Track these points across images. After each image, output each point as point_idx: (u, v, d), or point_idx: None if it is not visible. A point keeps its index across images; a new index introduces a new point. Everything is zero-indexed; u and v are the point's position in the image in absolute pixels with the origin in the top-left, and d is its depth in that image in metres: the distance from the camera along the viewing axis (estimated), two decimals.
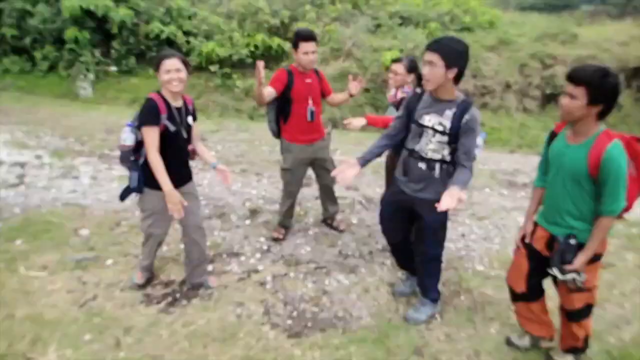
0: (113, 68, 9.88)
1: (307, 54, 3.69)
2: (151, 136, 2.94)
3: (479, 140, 2.91)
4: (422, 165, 2.86)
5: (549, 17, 14.46)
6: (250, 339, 3.02)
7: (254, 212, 4.82)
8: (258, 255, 4.06)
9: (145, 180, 3.12)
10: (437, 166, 2.83)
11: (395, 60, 3.71)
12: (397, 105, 3.71)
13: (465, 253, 4.15)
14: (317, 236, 4.40)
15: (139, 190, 3.15)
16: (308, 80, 3.85)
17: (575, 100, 2.21)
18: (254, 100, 4.07)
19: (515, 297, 2.85)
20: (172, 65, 2.94)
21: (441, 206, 2.41)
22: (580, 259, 2.37)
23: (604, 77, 2.17)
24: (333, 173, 2.91)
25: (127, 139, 3.04)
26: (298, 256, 4.05)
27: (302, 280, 3.70)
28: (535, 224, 2.68)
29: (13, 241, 4.06)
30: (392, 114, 3.67)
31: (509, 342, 3.00)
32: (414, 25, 11.04)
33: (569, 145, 2.39)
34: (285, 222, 4.36)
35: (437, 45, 2.60)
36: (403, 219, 3.14)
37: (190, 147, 3.32)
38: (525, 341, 2.97)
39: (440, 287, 3.28)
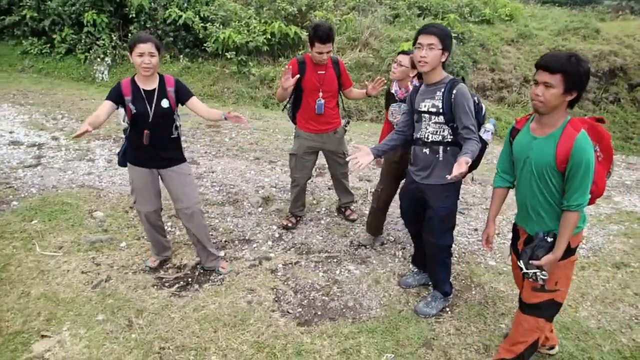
0: None
1: (321, 54, 3.67)
2: (100, 107, 3.03)
3: (490, 126, 2.89)
4: (426, 150, 2.93)
5: (571, 11, 14.17)
6: (260, 325, 3.04)
7: (266, 200, 4.83)
8: (270, 242, 4.07)
9: (127, 156, 3.31)
10: (440, 149, 2.89)
11: (404, 52, 3.60)
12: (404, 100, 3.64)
13: (478, 247, 4.12)
14: (329, 226, 4.40)
15: (120, 159, 3.37)
16: (321, 72, 3.79)
17: (551, 89, 2.12)
18: (277, 98, 4.04)
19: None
20: (144, 49, 2.98)
21: (451, 175, 2.45)
22: (549, 258, 2.27)
23: (579, 63, 2.09)
24: (348, 159, 2.94)
25: (121, 118, 3.21)
26: (309, 245, 4.06)
27: (313, 269, 3.71)
28: (516, 226, 2.59)
29: (30, 221, 4.13)
30: (403, 111, 3.58)
31: None
32: (433, 16, 10.91)
33: (535, 138, 2.28)
34: (296, 210, 4.36)
35: (434, 29, 2.69)
36: (418, 211, 3.14)
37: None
38: None
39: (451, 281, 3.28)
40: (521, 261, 2.36)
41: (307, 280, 3.56)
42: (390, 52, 9.41)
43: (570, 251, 2.34)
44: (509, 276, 3.62)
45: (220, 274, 3.57)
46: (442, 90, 2.79)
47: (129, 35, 9.91)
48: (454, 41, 9.73)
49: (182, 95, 3.25)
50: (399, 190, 3.59)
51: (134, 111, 3.08)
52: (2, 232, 3.93)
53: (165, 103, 3.17)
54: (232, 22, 9.76)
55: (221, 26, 9.63)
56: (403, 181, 3.46)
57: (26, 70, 9.94)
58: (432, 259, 3.19)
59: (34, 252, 3.72)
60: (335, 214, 4.61)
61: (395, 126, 3.64)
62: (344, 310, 3.25)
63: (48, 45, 10.25)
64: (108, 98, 3.07)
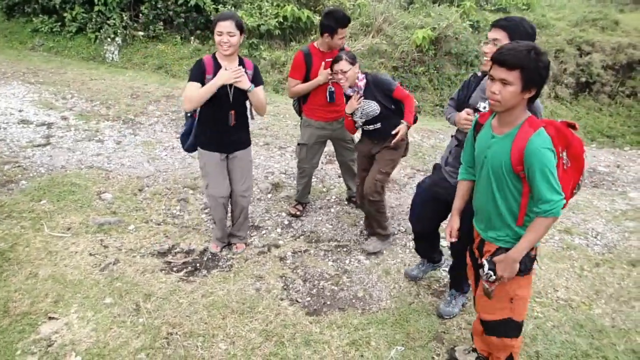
0: (140, 33, 9.81)
1: (342, 39, 3.66)
2: (187, 89, 3.07)
3: None
4: None
5: (589, 1, 13.85)
6: (269, 313, 3.01)
7: (276, 186, 4.77)
8: (279, 230, 4.03)
9: (198, 140, 3.29)
10: None
11: (334, 61, 3.41)
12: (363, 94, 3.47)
13: None
14: (339, 214, 4.34)
15: (181, 142, 3.36)
16: (329, 60, 3.66)
17: (508, 86, 1.94)
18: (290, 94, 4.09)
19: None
20: (224, 28, 2.96)
21: None
22: (506, 255, 2.09)
23: (539, 57, 1.92)
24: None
25: None
26: (319, 233, 4.01)
27: (322, 258, 3.67)
28: (473, 227, 2.43)
29: (38, 201, 4.10)
30: (365, 105, 3.43)
31: (451, 356, 2.75)
32: (449, 3, 10.69)
33: (494, 136, 2.12)
34: (302, 198, 4.31)
35: (504, 23, 2.49)
36: (436, 210, 2.98)
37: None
38: (471, 358, 2.67)
39: None
40: (485, 260, 2.20)
41: (316, 269, 3.51)
42: (404, 39, 9.25)
43: (528, 264, 2.17)
44: None
45: (229, 259, 3.53)
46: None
47: (140, 15, 9.80)
48: (469, 29, 9.57)
49: (257, 80, 3.23)
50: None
51: (215, 91, 3.03)
52: (10, 211, 3.91)
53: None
54: (244, 4, 9.60)
55: (233, 8, 9.48)
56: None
57: (36, 48, 9.85)
58: (459, 261, 3.10)
59: (42, 232, 3.70)
60: (346, 202, 4.55)
61: (359, 125, 3.56)
62: (353, 300, 3.21)
63: (59, 23, 10.13)
64: (193, 79, 3.06)
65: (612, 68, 10.05)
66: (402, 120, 3.33)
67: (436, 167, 3.00)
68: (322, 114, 3.90)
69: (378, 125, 3.46)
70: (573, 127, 2.07)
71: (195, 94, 3.01)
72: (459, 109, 2.81)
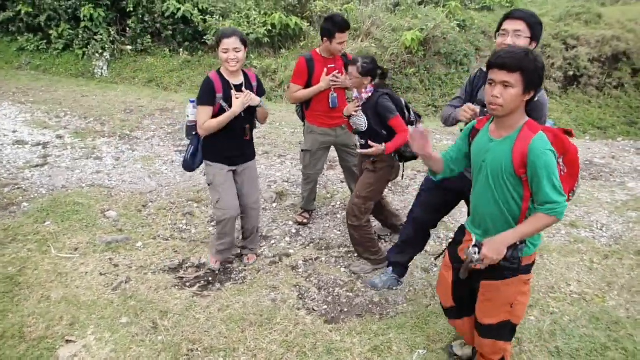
0: (129, 47, 9.75)
1: (341, 44, 3.66)
2: (202, 115, 3.08)
3: (550, 123, 2.80)
4: None
5: None
6: (287, 324, 2.99)
7: (280, 195, 4.77)
8: (288, 238, 4.02)
9: (205, 154, 3.27)
10: None
11: (350, 63, 3.31)
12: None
13: None
14: (346, 220, 4.33)
15: (191, 163, 3.29)
16: (331, 66, 3.75)
17: (510, 88, 1.94)
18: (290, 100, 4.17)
19: (446, 312, 2.61)
20: (230, 44, 2.97)
21: None
22: (494, 244, 2.08)
23: (536, 60, 1.95)
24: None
25: (190, 114, 3.19)
26: (328, 240, 4.01)
27: (334, 265, 3.66)
28: (464, 229, 2.41)
29: (43, 222, 4.05)
30: (355, 116, 3.40)
31: (450, 352, 2.77)
32: (434, 4, 10.78)
33: (492, 140, 2.11)
34: (308, 205, 4.31)
35: (522, 14, 2.52)
36: (444, 200, 3.05)
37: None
38: (468, 350, 2.71)
39: None
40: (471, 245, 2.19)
41: (329, 276, 3.51)
42: (393, 42, 9.30)
43: (522, 268, 2.16)
44: (534, 267, 3.58)
45: (241, 271, 3.52)
46: None
47: (127, 29, 9.76)
48: (457, 29, 9.66)
49: (260, 92, 3.27)
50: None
51: (228, 109, 3.07)
52: (15, 234, 3.85)
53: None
54: (231, 13, 9.60)
55: (221, 18, 9.47)
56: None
57: (23, 67, 9.75)
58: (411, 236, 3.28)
59: (50, 254, 3.65)
60: None
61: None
62: (370, 306, 3.21)
63: (44, 41, 10.03)
64: (205, 103, 3.06)
65: (598, 60, 10.20)
66: (384, 143, 3.22)
67: None
68: (325, 120, 3.91)
69: (362, 141, 3.37)
70: (569, 134, 2.10)
71: (214, 124, 3.06)
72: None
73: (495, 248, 2.07)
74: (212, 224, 4.16)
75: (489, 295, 2.27)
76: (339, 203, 4.65)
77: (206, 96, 3.06)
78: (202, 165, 3.37)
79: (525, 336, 2.92)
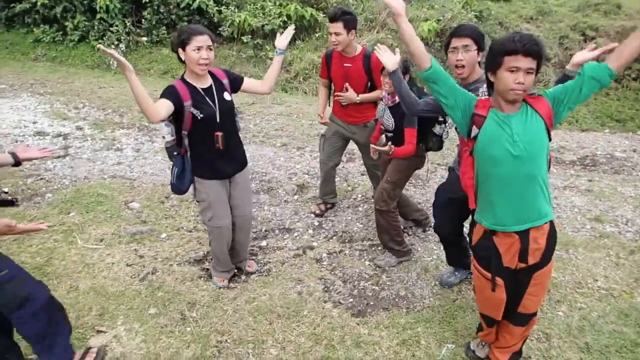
0: (144, 38, 9.76)
1: (330, 35, 3.51)
2: (159, 103, 2.64)
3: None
4: None
5: None
6: (314, 317, 3.00)
7: (301, 187, 4.76)
8: (310, 231, 4.02)
9: (197, 171, 2.93)
10: None
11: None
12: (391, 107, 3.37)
13: None
14: (368, 212, 4.33)
15: (180, 185, 2.92)
16: (347, 65, 3.61)
17: (531, 75, 2.02)
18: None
19: (491, 323, 2.53)
20: (203, 42, 2.64)
21: None
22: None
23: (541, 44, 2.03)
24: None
25: (167, 134, 2.84)
26: (351, 233, 4.00)
27: (358, 258, 3.66)
28: (494, 233, 2.24)
29: (67, 213, 4.08)
30: (385, 115, 3.37)
31: (467, 350, 2.74)
32: None
33: (509, 116, 2.11)
34: (327, 197, 4.27)
35: (467, 31, 2.70)
36: (455, 211, 2.99)
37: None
38: (487, 350, 2.68)
39: None
40: None
41: (354, 270, 3.51)
42: None
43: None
44: (559, 262, 3.57)
45: (266, 262, 3.52)
46: (485, 87, 2.56)
47: (142, 20, 9.75)
48: (474, 19, 9.55)
49: (236, 82, 2.98)
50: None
51: (201, 116, 2.74)
52: None
53: (227, 96, 2.89)
54: (247, 4, 9.57)
55: (236, 9, 9.44)
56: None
57: (39, 58, 9.80)
58: (447, 241, 3.27)
59: (76, 245, 3.68)
60: (372, 200, 4.53)
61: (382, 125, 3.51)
62: (396, 300, 3.20)
63: (60, 32, 10.07)
64: (165, 97, 2.65)
65: None
66: (392, 145, 3.19)
67: (450, 171, 3.09)
68: (341, 114, 3.89)
69: (390, 134, 3.40)
70: None
71: (156, 106, 2.61)
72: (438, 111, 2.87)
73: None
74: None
75: (543, 284, 2.31)
76: (360, 196, 4.64)
77: (169, 94, 2.68)
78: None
79: (554, 332, 2.90)
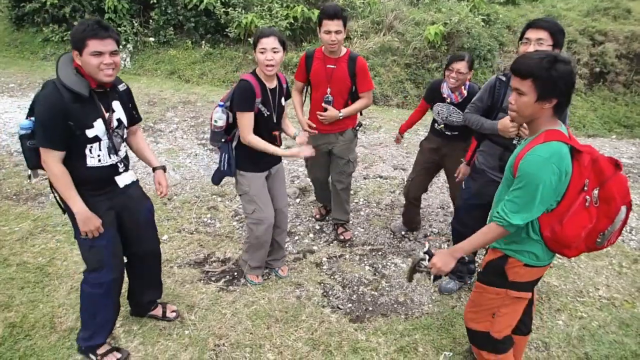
0: (151, 39, 9.82)
1: (329, 33, 3.23)
2: (245, 121, 2.84)
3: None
4: None
5: None
6: (312, 322, 3.00)
7: (303, 191, 4.77)
8: (311, 235, 4.02)
9: (238, 163, 3.02)
10: None
11: (457, 58, 3.31)
12: (458, 104, 3.42)
13: None
14: (369, 217, 4.33)
15: (230, 173, 3.04)
16: (330, 66, 3.38)
17: (523, 96, 1.86)
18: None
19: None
20: (268, 44, 2.74)
21: None
22: (444, 255, 2.07)
23: (552, 66, 1.79)
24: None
25: (219, 119, 2.91)
26: (352, 237, 3.99)
27: (358, 263, 3.66)
28: None
29: None
30: (451, 113, 3.44)
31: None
32: None
33: (519, 142, 2.09)
34: (327, 203, 4.15)
35: (545, 23, 2.52)
36: (484, 215, 2.95)
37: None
38: None
39: None
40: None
41: (353, 275, 3.51)
42: (415, 36, 9.19)
43: (514, 285, 2.07)
44: (561, 270, 3.55)
45: (266, 267, 3.52)
46: None
47: (150, 21, 9.81)
48: (481, 23, 9.51)
49: (288, 93, 3.14)
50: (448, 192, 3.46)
51: (267, 114, 2.91)
52: (44, 225, 3.93)
53: (283, 101, 3.04)
54: (253, 6, 9.59)
55: (243, 11, 9.46)
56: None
57: (48, 58, 9.88)
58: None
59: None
60: (374, 204, 4.53)
61: (437, 124, 3.58)
62: (395, 305, 3.20)
63: (69, 32, 10.15)
64: (247, 109, 2.82)
65: (626, 57, 9.96)
66: (463, 160, 3.22)
67: (478, 171, 2.96)
68: (319, 124, 3.53)
69: (456, 132, 3.47)
70: (618, 165, 1.90)
71: (261, 146, 2.87)
72: (487, 114, 2.83)
73: (444, 259, 2.06)
74: (236, 218, 4.18)
75: (475, 296, 2.26)
76: (362, 200, 4.64)
77: (246, 102, 2.81)
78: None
79: (553, 341, 2.88)
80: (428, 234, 4.03)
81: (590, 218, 1.90)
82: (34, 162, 2.34)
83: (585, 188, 1.87)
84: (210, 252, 3.72)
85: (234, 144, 3.00)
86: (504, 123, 2.59)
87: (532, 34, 2.54)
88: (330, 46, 3.29)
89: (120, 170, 2.52)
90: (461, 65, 3.24)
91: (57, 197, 2.42)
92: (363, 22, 9.64)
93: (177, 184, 4.76)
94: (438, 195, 4.79)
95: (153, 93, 7.65)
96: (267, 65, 2.77)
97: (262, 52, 2.75)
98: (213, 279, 3.42)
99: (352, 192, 4.77)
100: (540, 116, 1.90)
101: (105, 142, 2.38)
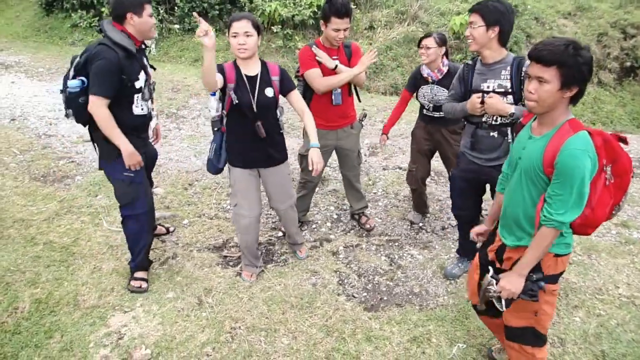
0: (176, 26, 9.91)
1: (338, 32, 3.16)
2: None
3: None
4: (494, 134, 2.84)
5: None
6: (327, 309, 3.04)
7: (322, 180, 4.78)
8: (329, 224, 4.05)
9: (228, 156, 3.04)
10: (509, 130, 2.78)
11: (425, 36, 3.45)
12: (439, 81, 3.50)
13: None
14: (387, 208, 4.33)
15: (217, 162, 3.05)
16: (335, 57, 3.31)
17: (545, 84, 1.82)
18: None
19: (474, 307, 2.47)
20: (240, 29, 2.67)
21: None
22: (508, 277, 2.02)
23: (578, 53, 1.77)
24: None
25: (212, 108, 2.95)
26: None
27: (374, 253, 3.67)
28: (495, 231, 2.30)
29: (95, 196, 4.23)
30: (436, 93, 3.53)
31: (489, 356, 2.71)
32: None
33: (531, 137, 2.00)
34: (300, 215, 3.83)
35: (476, 6, 2.64)
36: (474, 193, 3.15)
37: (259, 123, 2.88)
38: (506, 356, 2.59)
39: None
40: (488, 274, 2.12)
41: (369, 264, 3.53)
42: (440, 26, 9.08)
43: (547, 278, 2.02)
44: (580, 266, 3.50)
45: (283, 253, 3.57)
46: (508, 69, 2.70)
47: (175, 8, 9.89)
48: None
49: (287, 86, 2.94)
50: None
51: (236, 101, 2.79)
52: (70, 206, 4.05)
53: (269, 92, 2.87)
54: None
55: None
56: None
57: (76, 43, 10.07)
58: (463, 231, 3.29)
59: (101, 227, 3.82)
60: (392, 195, 4.53)
61: (425, 107, 3.67)
62: (410, 296, 3.21)
63: (97, 18, 10.33)
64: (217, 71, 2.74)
65: None
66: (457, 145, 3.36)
67: (460, 155, 3.09)
68: (325, 121, 3.42)
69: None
70: (624, 141, 1.92)
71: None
72: (463, 100, 2.89)
73: (512, 280, 2.01)
74: None
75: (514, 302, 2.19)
76: (380, 190, 4.64)
77: (218, 70, 2.75)
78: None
79: (569, 337, 2.86)
80: (446, 226, 4.02)
81: (610, 195, 1.94)
82: (85, 118, 2.77)
83: (605, 169, 1.91)
84: (229, 238, 3.78)
85: (225, 136, 3.00)
86: (472, 101, 2.74)
87: (469, 19, 2.70)
88: (337, 42, 3.26)
89: (153, 116, 3.09)
90: (429, 41, 3.39)
91: (98, 148, 2.96)
92: (387, 12, 9.56)
93: (199, 169, 4.83)
94: None
95: (177, 80, 7.74)
96: (239, 49, 2.71)
97: (234, 36, 2.70)
98: (231, 263, 3.49)
99: (370, 182, 4.79)
100: (559, 106, 1.89)
101: (144, 92, 2.88)
